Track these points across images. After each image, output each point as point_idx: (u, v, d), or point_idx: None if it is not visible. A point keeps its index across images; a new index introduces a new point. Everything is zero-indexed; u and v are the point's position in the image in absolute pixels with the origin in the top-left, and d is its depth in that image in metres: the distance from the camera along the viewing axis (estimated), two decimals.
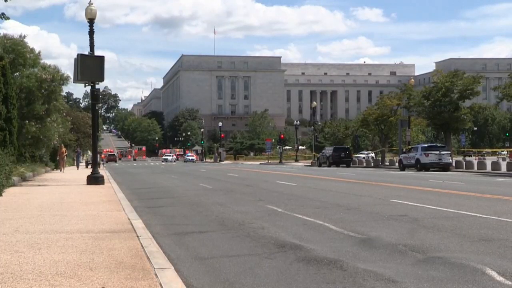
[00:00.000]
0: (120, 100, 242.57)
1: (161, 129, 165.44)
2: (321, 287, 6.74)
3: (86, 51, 25.35)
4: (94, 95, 26.08)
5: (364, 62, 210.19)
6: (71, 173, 40.08)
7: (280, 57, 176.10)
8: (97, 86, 25.81)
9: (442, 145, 48.09)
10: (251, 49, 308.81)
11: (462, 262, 7.80)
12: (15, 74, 32.12)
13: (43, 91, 32.91)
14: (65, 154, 43.76)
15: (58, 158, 44.10)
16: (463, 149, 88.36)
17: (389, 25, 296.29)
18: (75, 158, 56.95)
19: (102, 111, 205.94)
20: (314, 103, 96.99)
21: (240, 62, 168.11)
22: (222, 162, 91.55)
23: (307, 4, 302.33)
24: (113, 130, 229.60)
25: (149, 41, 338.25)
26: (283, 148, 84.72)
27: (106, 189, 22.35)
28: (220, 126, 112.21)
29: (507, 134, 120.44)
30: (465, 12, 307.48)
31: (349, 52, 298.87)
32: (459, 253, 8.56)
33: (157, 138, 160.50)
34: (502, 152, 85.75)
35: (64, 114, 45.67)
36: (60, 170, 41.90)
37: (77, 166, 53.00)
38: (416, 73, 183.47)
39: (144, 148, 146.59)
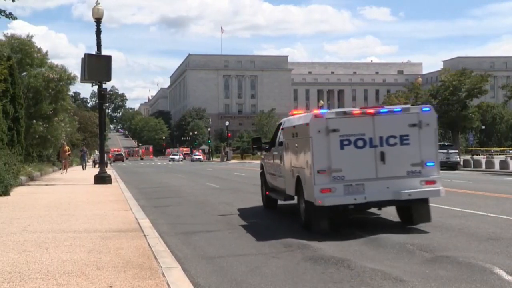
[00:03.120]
0: (127, 100, 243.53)
1: (168, 128, 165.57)
2: (328, 286, 6.73)
3: (94, 51, 25.40)
4: (101, 95, 26.13)
5: (371, 61, 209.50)
6: (78, 173, 40.11)
7: (287, 56, 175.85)
8: (104, 86, 25.85)
9: (450, 144, 47.82)
10: (258, 48, 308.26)
11: (470, 261, 7.76)
12: (23, 74, 32.23)
13: (50, 90, 32.98)
14: (68, 153, 38.96)
15: (60, 158, 40.23)
16: (471, 148, 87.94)
17: (396, 24, 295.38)
18: (80, 158, 52.15)
19: (109, 111, 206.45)
20: (321, 102, 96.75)
21: (247, 61, 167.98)
22: (229, 162, 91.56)
23: (314, 3, 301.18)
24: (120, 129, 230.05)
25: (156, 40, 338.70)
26: None
27: (113, 188, 22.40)
28: (227, 125, 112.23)
29: None
30: (472, 11, 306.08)
31: (357, 51, 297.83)
32: (467, 252, 8.52)
33: (164, 137, 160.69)
34: (510, 151, 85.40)
35: (72, 113, 45.68)
36: (62, 172, 37.33)
37: (83, 166, 47.95)
38: (424, 72, 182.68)
39: (151, 147, 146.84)
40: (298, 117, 12.54)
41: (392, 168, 10.86)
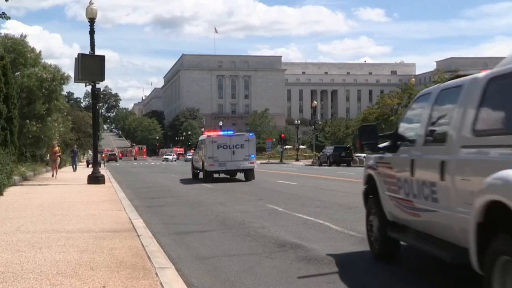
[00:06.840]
0: (120, 100, 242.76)
1: (162, 128, 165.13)
2: (322, 287, 6.75)
3: (88, 51, 25.34)
4: (95, 95, 26.11)
5: (365, 61, 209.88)
6: (70, 173, 39.94)
7: (280, 57, 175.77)
8: (97, 86, 25.82)
9: None
10: (252, 48, 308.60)
11: None
12: (16, 73, 32.10)
13: (43, 90, 32.85)
14: (58, 154, 33.36)
15: (48, 158, 36.78)
16: None
17: (390, 24, 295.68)
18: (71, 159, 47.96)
19: (102, 111, 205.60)
20: (315, 102, 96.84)
21: (241, 61, 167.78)
22: None
23: (309, 4, 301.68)
24: (113, 129, 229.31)
25: (151, 41, 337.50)
26: (284, 147, 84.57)
27: (106, 188, 22.38)
28: (220, 126, 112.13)
29: None
30: (465, 11, 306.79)
31: (350, 52, 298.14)
32: None
33: (157, 137, 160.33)
34: None
35: (65, 113, 45.40)
36: (52, 175, 32.11)
37: (73, 167, 44.38)
38: (417, 72, 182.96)
39: (144, 147, 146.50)
40: (204, 136, 29.93)
41: (237, 157, 27.89)
